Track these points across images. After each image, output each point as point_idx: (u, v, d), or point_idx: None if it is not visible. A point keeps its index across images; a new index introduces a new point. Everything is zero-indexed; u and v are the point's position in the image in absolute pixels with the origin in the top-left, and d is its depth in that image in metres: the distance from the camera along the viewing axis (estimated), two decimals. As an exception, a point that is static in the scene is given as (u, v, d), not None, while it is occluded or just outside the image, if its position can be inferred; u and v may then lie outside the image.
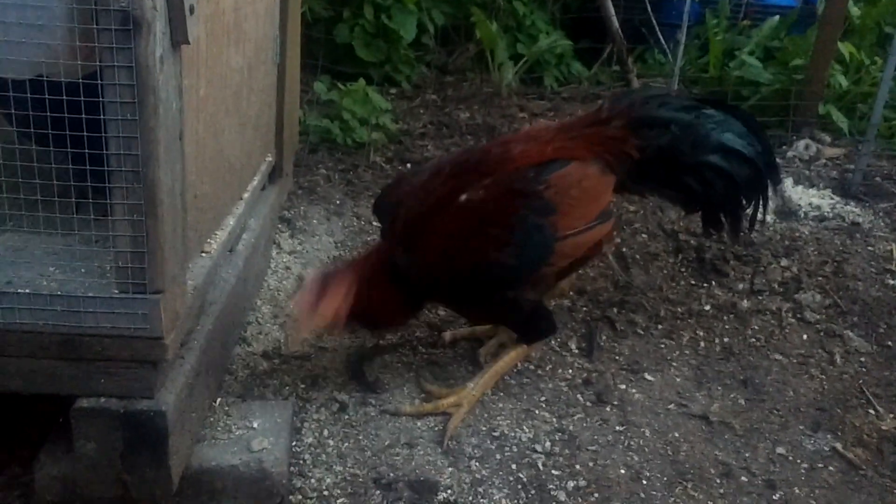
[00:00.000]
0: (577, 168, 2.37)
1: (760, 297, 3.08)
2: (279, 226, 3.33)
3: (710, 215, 2.62)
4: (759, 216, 2.61)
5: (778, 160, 3.04)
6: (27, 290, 1.79)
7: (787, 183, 3.79)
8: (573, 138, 2.46)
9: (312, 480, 2.22)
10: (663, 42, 5.54)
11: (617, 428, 2.48)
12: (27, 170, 1.81)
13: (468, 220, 2.32)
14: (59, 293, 1.79)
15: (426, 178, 2.46)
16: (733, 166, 2.47)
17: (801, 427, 2.53)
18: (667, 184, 2.53)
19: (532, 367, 2.72)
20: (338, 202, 3.59)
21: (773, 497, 2.26)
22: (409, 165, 3.95)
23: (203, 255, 2.24)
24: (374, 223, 3.46)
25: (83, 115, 1.66)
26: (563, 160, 2.37)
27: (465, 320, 2.85)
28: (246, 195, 2.70)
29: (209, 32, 2.08)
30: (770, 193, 2.60)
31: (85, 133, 1.68)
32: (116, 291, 1.79)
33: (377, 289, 2.38)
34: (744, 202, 2.59)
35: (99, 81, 1.63)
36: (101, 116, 1.65)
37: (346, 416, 2.45)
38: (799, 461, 2.40)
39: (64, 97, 1.66)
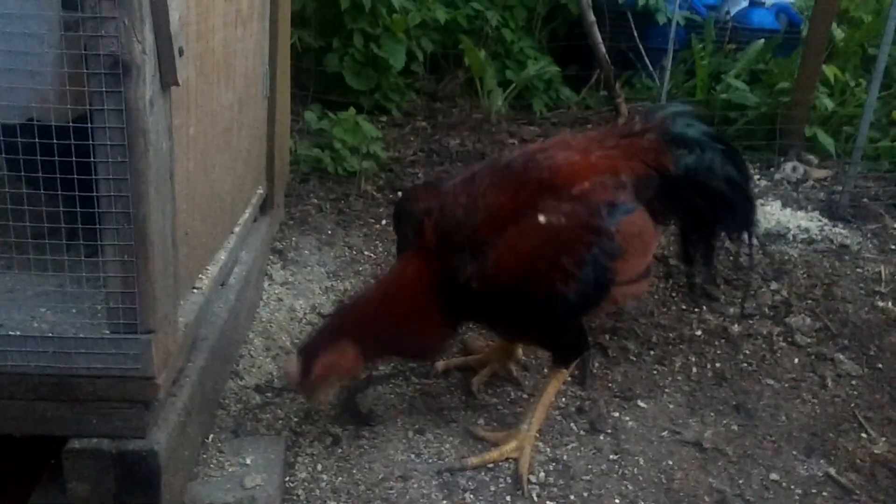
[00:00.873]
0: (640, 217, 2.34)
1: (751, 322, 3.10)
2: (271, 257, 3.34)
3: (695, 242, 2.62)
4: (745, 255, 2.65)
5: (766, 182, 3.11)
6: (18, 333, 1.79)
7: (776, 206, 3.82)
8: (611, 147, 2.43)
9: (306, 516, 2.21)
10: (650, 67, 5.60)
11: (611, 456, 2.48)
12: (18, 211, 1.82)
13: (545, 244, 2.23)
14: (50, 335, 1.80)
15: (461, 184, 2.36)
16: (736, 197, 2.49)
17: (795, 452, 2.53)
18: (683, 206, 2.52)
19: (525, 395, 2.73)
20: (329, 232, 3.60)
21: (768, 524, 2.27)
22: (399, 193, 3.97)
23: (194, 291, 2.24)
24: (366, 252, 3.48)
25: (73, 158, 1.67)
26: (628, 203, 2.32)
27: (489, 336, 2.79)
28: (237, 229, 2.71)
29: (199, 71, 2.10)
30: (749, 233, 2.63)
31: (75, 175, 1.69)
32: (108, 332, 1.79)
33: (414, 304, 2.29)
34: (733, 233, 2.62)
35: (89, 125, 1.65)
36: (92, 159, 1.67)
37: (340, 450, 2.44)
38: (793, 487, 2.40)
39: (54, 140, 1.67)
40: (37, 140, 1.68)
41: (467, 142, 4.68)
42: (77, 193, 1.70)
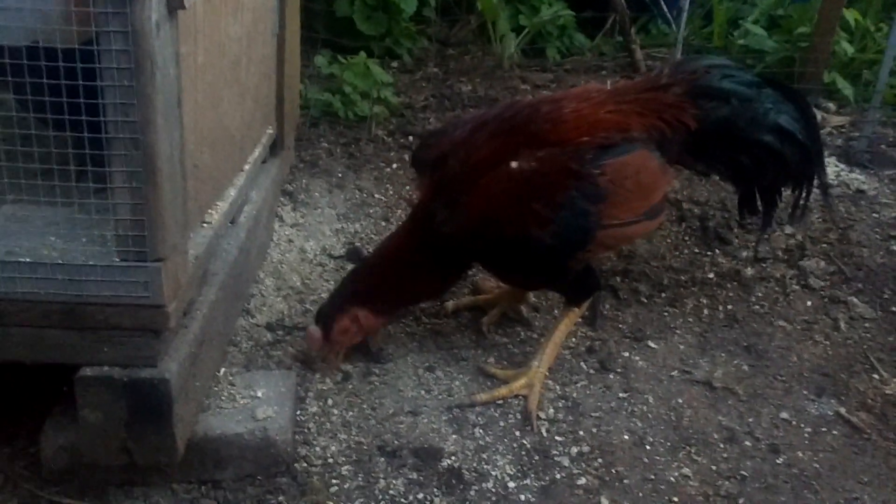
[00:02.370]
0: (638, 158, 2.30)
1: (764, 265, 3.07)
2: (281, 199, 3.33)
3: (749, 197, 2.60)
4: (801, 207, 2.59)
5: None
6: (28, 260, 1.79)
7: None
8: (628, 101, 2.39)
9: (317, 448, 2.23)
10: (667, 11, 5.48)
11: (620, 395, 2.48)
12: (26, 140, 1.81)
13: (515, 189, 2.24)
14: (60, 262, 1.79)
15: (467, 133, 2.38)
16: (786, 148, 2.43)
17: (805, 392, 2.53)
18: (719, 159, 2.49)
19: (535, 335, 2.72)
20: (340, 175, 3.57)
21: (777, 461, 2.27)
22: (411, 138, 3.93)
23: (204, 225, 2.23)
24: (377, 195, 3.46)
25: (80, 82, 1.65)
26: (626, 144, 2.29)
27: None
28: (247, 167, 2.69)
29: (206, 0, 2.06)
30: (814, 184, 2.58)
31: (82, 100, 1.67)
32: (117, 260, 1.79)
33: (411, 260, 2.37)
34: (789, 186, 2.57)
35: (95, 47, 1.62)
36: (98, 83, 1.64)
37: (351, 386, 2.46)
38: (802, 426, 2.40)
39: (60, 64, 1.65)
40: (42, 63, 1.66)
41: (479, 88, 4.61)
42: (84, 118, 1.68)
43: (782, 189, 2.61)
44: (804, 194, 2.60)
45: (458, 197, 2.28)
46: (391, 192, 3.49)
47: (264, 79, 2.92)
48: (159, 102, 1.69)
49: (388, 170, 3.66)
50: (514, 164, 2.24)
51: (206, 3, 2.05)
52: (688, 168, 2.69)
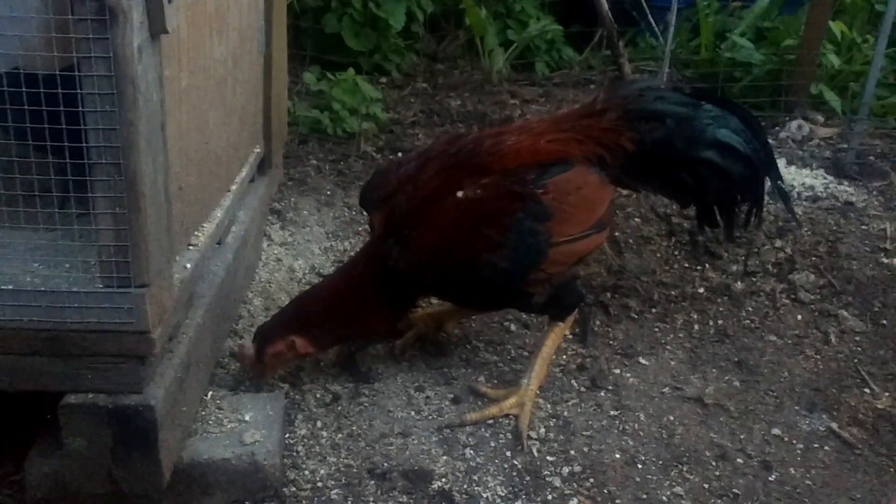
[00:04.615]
0: (577, 174, 2.36)
1: (754, 279, 3.07)
2: (269, 217, 3.31)
3: (704, 212, 2.62)
4: (755, 215, 2.61)
5: (771, 142, 3.03)
6: (10, 287, 1.77)
7: (781, 164, 3.76)
8: (566, 130, 2.43)
9: (306, 472, 2.21)
10: (654, 25, 5.50)
11: (611, 412, 2.47)
12: (7, 166, 1.79)
13: (463, 217, 2.30)
14: (42, 289, 1.77)
15: (413, 170, 2.43)
16: (728, 163, 2.45)
17: (797, 407, 2.52)
18: (661, 179, 2.52)
19: (526, 353, 2.71)
20: (329, 193, 3.56)
21: (769, 478, 2.26)
22: (399, 154, 3.92)
23: (190, 247, 2.21)
24: (365, 215, 3.44)
25: (62, 108, 1.64)
26: (564, 164, 2.35)
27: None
28: (234, 187, 2.67)
29: (190, 22, 2.05)
30: (768, 191, 2.60)
31: (64, 126, 1.65)
32: (101, 286, 1.77)
33: (362, 296, 2.39)
34: (739, 200, 2.58)
35: (76, 73, 1.61)
36: (80, 109, 1.63)
37: (340, 407, 2.44)
38: (794, 442, 2.39)
39: (41, 90, 1.63)
40: (23, 90, 1.64)
41: (468, 103, 4.61)
42: (66, 144, 1.66)
43: (736, 200, 2.59)
44: (756, 204, 2.61)
45: (408, 231, 2.33)
46: (380, 210, 3.48)
47: (251, 98, 2.91)
48: (142, 127, 1.68)
49: (378, 187, 3.64)
50: (459, 194, 2.30)
51: (190, 25, 2.04)
52: (628, 189, 2.77)
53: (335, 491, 2.16)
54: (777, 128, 4.31)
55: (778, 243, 3.21)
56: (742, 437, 2.39)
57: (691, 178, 2.47)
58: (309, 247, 3.20)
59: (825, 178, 3.76)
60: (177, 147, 1.96)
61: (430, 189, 2.34)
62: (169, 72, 1.85)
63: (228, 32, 2.46)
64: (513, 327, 2.82)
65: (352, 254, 3.18)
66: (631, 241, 3.25)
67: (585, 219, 2.38)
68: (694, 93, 2.58)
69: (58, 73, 1.65)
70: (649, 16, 5.48)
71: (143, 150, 1.69)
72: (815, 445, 2.38)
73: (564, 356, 2.69)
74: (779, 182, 2.60)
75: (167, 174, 1.85)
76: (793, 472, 2.28)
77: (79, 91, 1.62)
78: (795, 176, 3.73)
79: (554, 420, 2.42)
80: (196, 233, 2.29)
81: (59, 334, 1.79)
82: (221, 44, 2.39)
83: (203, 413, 2.20)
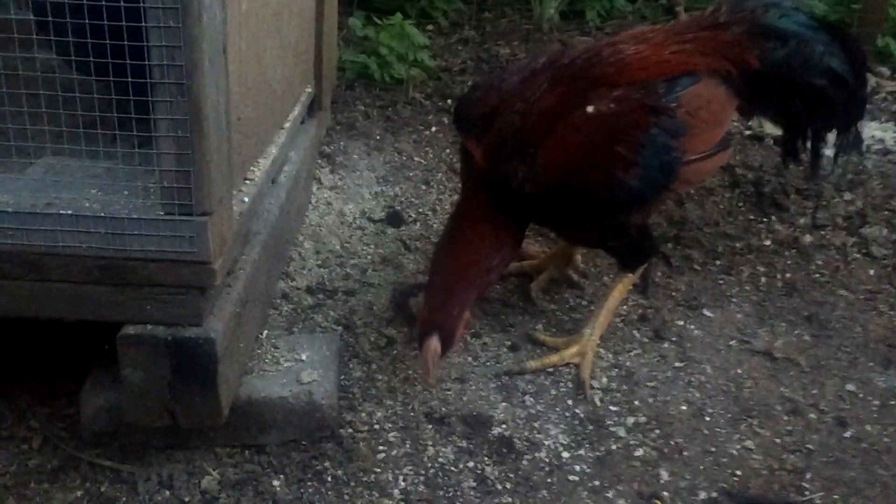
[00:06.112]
0: (707, 87, 2.22)
1: (823, 232, 2.93)
2: (319, 161, 3.23)
3: (793, 145, 2.50)
4: (843, 152, 2.52)
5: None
6: (68, 212, 1.71)
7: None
8: (688, 41, 2.28)
9: (363, 414, 2.16)
10: (711, -27, 5.29)
11: (676, 364, 2.38)
12: (66, 87, 1.72)
13: (595, 134, 2.12)
14: (101, 215, 1.71)
15: (517, 84, 2.24)
16: (836, 94, 2.33)
17: (871, 364, 2.41)
18: (772, 102, 2.39)
19: (585, 302, 2.62)
20: (378, 137, 3.47)
21: (844, 435, 2.16)
22: (449, 101, 3.81)
23: (247, 182, 2.14)
24: (416, 158, 3.36)
25: (123, 22, 1.56)
26: (691, 75, 2.20)
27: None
28: (287, 124, 2.59)
29: (249, -56, 1.96)
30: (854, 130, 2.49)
31: (126, 42, 1.57)
32: (161, 213, 1.70)
33: (486, 236, 2.19)
34: (830, 135, 2.49)
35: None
36: (143, 24, 1.55)
37: (395, 351, 2.38)
38: (870, 398, 2.28)
39: (103, 2, 1.56)
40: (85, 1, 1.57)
41: (518, 52, 4.47)
42: (128, 61, 1.59)
43: (826, 135, 2.51)
44: (844, 143, 2.51)
45: (529, 152, 2.12)
46: (431, 156, 3.39)
47: (304, 33, 2.81)
48: (206, 46, 1.60)
49: (427, 133, 3.55)
50: (590, 109, 2.12)
51: (249, -54, 1.95)
52: (743, 113, 2.54)
53: (392, 434, 2.11)
54: (842, 80, 4.13)
55: (847, 196, 3.07)
56: (814, 392, 2.29)
57: (801, 104, 2.35)
58: (359, 191, 3.12)
59: (895, 131, 3.59)
60: (236, 75, 1.88)
61: (548, 103, 2.15)
62: (230, -8, 1.76)
63: (285, -40, 2.37)
64: (570, 273, 2.71)
65: (402, 199, 3.10)
66: (692, 191, 3.12)
67: (715, 135, 2.27)
68: (811, 16, 2.43)
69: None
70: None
71: (206, 71, 1.61)
72: (892, 402, 2.27)
73: (625, 306, 2.59)
74: (858, 126, 2.47)
75: (228, 100, 1.77)
76: (868, 428, 2.18)
77: (142, 4, 1.54)
78: (864, 129, 3.55)
79: (616, 370, 2.34)
80: (252, 168, 2.22)
81: (118, 262, 1.73)
82: (279, -30, 2.30)
83: (259, 352, 2.15)
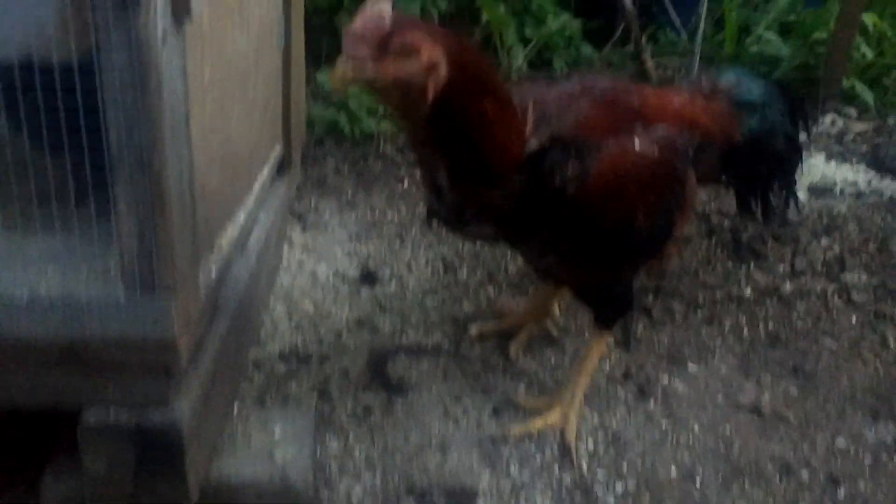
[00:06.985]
0: (692, 173, 2.22)
1: (803, 279, 2.91)
2: (290, 219, 3.17)
3: (747, 201, 2.57)
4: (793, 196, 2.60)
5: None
6: (25, 296, 1.62)
7: (820, 159, 3.62)
8: (691, 102, 2.29)
9: (340, 491, 2.06)
10: (675, 19, 5.35)
11: (663, 424, 2.31)
12: (19, 164, 1.65)
13: (639, 171, 2.02)
14: (59, 297, 1.63)
15: (556, 94, 2.03)
16: (791, 153, 2.44)
17: (860, 416, 2.36)
18: (743, 170, 2.45)
19: (566, 360, 2.56)
20: (349, 193, 3.42)
21: (838, 493, 2.10)
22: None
23: (214, 251, 2.07)
24: (388, 213, 3.31)
25: (79, 98, 1.50)
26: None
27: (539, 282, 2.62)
28: (256, 187, 2.53)
29: (212, 12, 1.91)
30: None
31: (82, 116, 1.51)
32: (123, 292, 1.62)
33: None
34: (782, 187, 2.57)
35: (95, 61, 1.47)
36: (99, 99, 1.49)
37: (372, 420, 2.29)
38: (861, 453, 2.23)
39: (57, 77, 1.50)
40: (37, 79, 1.51)
41: (488, 101, 4.47)
42: (85, 140, 1.52)
43: (779, 186, 2.59)
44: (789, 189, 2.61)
45: (589, 150, 1.94)
46: (404, 212, 3.34)
47: (271, 95, 2.77)
48: (166, 120, 1.54)
49: (400, 187, 3.51)
50: (637, 144, 2.01)
51: (212, 14, 1.90)
52: (704, 179, 2.43)
53: (372, 511, 2.02)
54: (810, 122, 4.16)
55: (825, 241, 3.06)
56: (805, 448, 2.24)
57: (764, 168, 2.41)
58: (332, 250, 3.06)
59: (867, 172, 3.61)
60: (200, 144, 1.82)
61: (594, 118, 1.99)
62: (192, 63, 1.70)
63: (250, 23, 2.32)
64: (549, 327, 2.65)
65: (376, 257, 3.03)
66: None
67: (688, 220, 2.32)
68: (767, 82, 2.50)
69: (74, 61, 1.51)
70: (670, 10, 5.34)
71: (168, 145, 1.55)
72: (884, 457, 2.22)
73: (608, 362, 2.54)
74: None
75: (192, 171, 1.71)
76: (862, 486, 2.13)
77: (98, 81, 1.48)
78: (836, 171, 3.58)
79: (602, 432, 2.27)
80: (219, 236, 2.15)
81: (77, 345, 1.64)
82: (243, 35, 2.25)
83: (229, 428, 2.05)
